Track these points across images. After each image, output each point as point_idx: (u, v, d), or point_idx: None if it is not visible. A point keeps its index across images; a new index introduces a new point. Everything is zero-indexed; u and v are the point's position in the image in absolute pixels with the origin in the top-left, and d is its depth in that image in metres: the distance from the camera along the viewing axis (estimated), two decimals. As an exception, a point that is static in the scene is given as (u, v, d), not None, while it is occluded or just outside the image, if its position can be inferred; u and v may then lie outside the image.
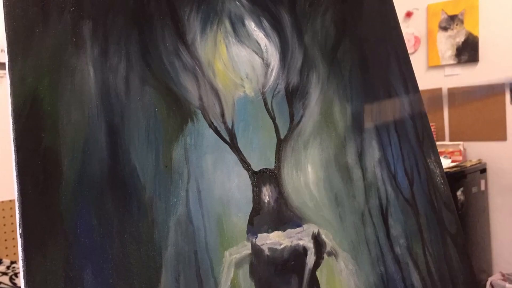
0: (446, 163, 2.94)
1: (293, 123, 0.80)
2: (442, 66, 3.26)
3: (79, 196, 0.61)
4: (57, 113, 0.62)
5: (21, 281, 0.56)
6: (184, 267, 0.65)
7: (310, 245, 0.75)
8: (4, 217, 2.66)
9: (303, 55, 0.85)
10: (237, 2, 0.81)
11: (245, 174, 0.73)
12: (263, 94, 0.79)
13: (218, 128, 0.73)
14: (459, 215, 0.99)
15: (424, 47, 3.32)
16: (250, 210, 0.72)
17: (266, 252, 0.71)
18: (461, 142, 3.17)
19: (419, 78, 1.03)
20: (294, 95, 0.82)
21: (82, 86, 0.65)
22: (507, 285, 2.82)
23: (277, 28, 0.84)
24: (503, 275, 2.96)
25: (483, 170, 3.10)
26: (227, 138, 0.74)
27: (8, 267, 2.26)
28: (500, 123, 3.09)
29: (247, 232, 0.71)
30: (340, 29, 0.92)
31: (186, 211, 0.67)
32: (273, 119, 0.79)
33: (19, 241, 0.56)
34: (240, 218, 0.71)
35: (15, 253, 2.63)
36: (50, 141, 0.61)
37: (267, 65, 0.81)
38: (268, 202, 0.74)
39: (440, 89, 3.26)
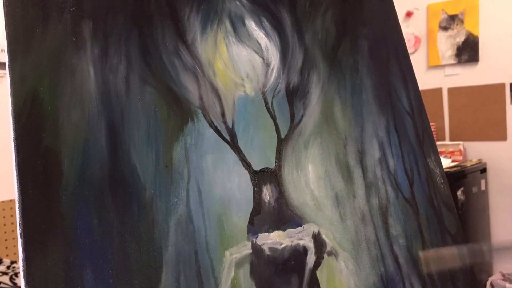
0: (446, 163, 2.94)
1: (294, 122, 0.80)
2: (442, 66, 3.26)
3: (79, 196, 0.61)
4: (57, 113, 0.62)
5: (21, 281, 0.56)
6: (184, 267, 0.65)
7: (310, 244, 0.75)
8: (4, 217, 2.66)
9: (303, 54, 0.85)
10: (237, 2, 0.81)
11: (245, 174, 0.73)
12: (263, 93, 0.79)
13: (219, 128, 0.73)
14: (459, 215, 0.98)
15: (424, 47, 3.32)
16: (250, 209, 0.72)
17: (267, 251, 0.71)
18: (461, 142, 3.17)
19: (419, 78, 1.03)
20: (295, 95, 0.82)
21: (82, 86, 0.65)
22: (507, 285, 2.82)
23: (278, 27, 0.84)
24: (503, 275, 2.96)
25: (483, 170, 3.10)
26: (228, 138, 0.73)
27: (8, 267, 2.26)
28: (500, 123, 3.09)
29: (248, 232, 0.71)
30: (341, 29, 0.92)
31: (186, 210, 0.67)
32: (274, 118, 0.79)
33: (19, 241, 0.56)
34: (240, 217, 0.71)
35: (15, 253, 2.63)
36: (50, 141, 0.61)
37: (267, 64, 0.81)
38: (269, 201, 0.74)
39: (440, 89, 3.26)
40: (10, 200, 2.66)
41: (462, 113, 3.19)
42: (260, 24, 0.82)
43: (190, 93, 0.72)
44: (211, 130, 0.72)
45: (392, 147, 0.92)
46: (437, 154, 0.99)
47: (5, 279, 2.12)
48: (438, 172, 0.98)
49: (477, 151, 3.17)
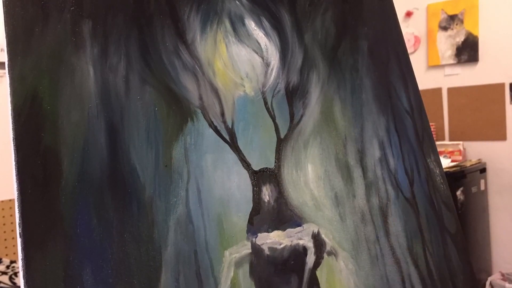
0: (446, 162, 2.94)
1: (293, 122, 0.80)
2: (442, 66, 3.26)
3: (79, 196, 0.61)
4: (57, 113, 0.62)
5: (20, 280, 0.56)
6: (184, 267, 0.65)
7: (310, 244, 0.75)
8: (4, 217, 2.66)
9: (303, 54, 0.85)
10: (237, 2, 0.81)
11: (245, 174, 0.73)
12: (263, 93, 0.79)
13: (218, 128, 0.73)
14: (459, 215, 0.98)
15: (424, 47, 3.32)
16: (250, 209, 0.72)
17: (266, 251, 0.71)
18: (461, 142, 3.17)
19: (419, 78, 1.03)
20: (294, 95, 0.82)
21: (82, 86, 0.65)
22: (507, 284, 2.82)
23: (277, 27, 0.84)
24: (502, 274, 2.96)
25: (483, 170, 3.10)
26: (227, 138, 0.74)
27: (7, 267, 2.26)
28: (500, 123, 3.09)
29: (247, 232, 0.71)
30: (340, 29, 0.92)
31: (186, 210, 0.67)
32: (273, 118, 0.79)
33: (19, 240, 0.56)
34: (240, 217, 0.71)
35: (15, 253, 2.63)
36: (50, 140, 0.61)
37: (267, 64, 0.81)
38: (268, 201, 0.74)
39: (439, 89, 3.26)
40: (10, 200, 2.66)
41: (461, 113, 3.20)
42: (259, 24, 0.82)
43: (189, 92, 0.72)
44: (211, 130, 0.72)
45: (392, 146, 0.92)
46: (436, 154, 0.99)
47: (5, 278, 2.12)
48: (437, 172, 0.98)
49: (477, 151, 3.18)
